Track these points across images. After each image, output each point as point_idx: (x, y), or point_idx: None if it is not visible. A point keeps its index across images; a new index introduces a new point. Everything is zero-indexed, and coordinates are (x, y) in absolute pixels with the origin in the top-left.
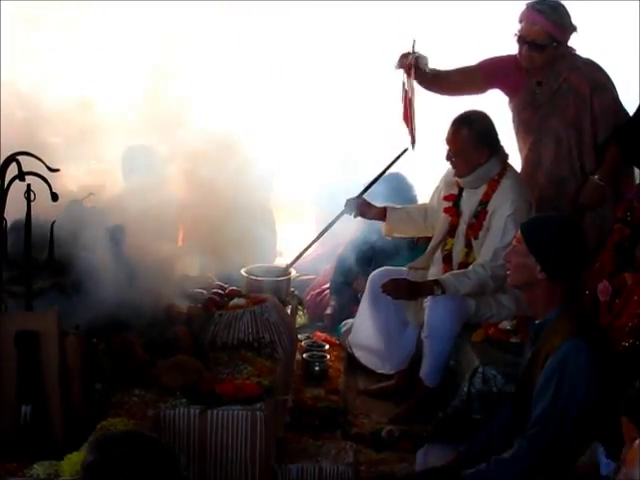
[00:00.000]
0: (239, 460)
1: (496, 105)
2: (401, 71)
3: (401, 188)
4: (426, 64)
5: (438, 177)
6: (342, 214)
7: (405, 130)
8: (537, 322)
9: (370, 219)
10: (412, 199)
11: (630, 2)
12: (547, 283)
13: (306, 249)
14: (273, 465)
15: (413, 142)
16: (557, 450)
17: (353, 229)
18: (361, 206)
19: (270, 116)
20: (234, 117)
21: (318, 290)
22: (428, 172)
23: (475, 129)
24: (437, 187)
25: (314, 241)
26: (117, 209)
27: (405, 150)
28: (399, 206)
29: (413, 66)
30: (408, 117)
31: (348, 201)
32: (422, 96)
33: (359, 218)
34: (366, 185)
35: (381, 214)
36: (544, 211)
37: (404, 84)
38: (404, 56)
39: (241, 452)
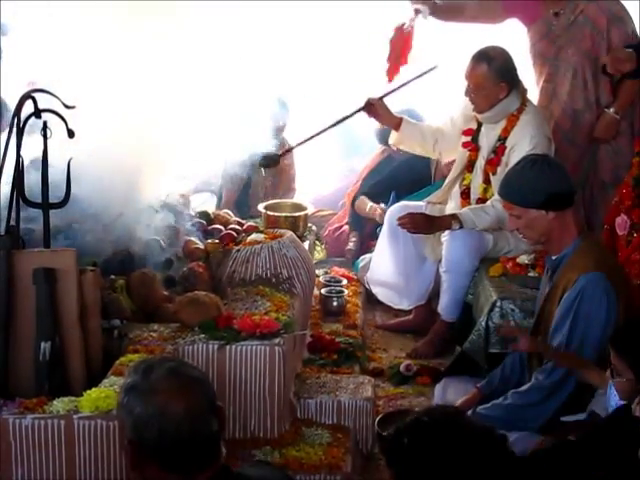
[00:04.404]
0: (258, 395)
1: (512, 37)
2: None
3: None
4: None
5: (449, 111)
6: (358, 110)
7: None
8: (554, 257)
9: (382, 123)
10: None
11: (630, 2)
12: (558, 218)
13: (315, 135)
14: (292, 400)
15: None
16: (572, 382)
17: (370, 165)
18: (379, 108)
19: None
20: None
21: (336, 225)
22: (440, 106)
23: (494, 65)
24: (451, 117)
25: (325, 130)
26: (132, 146)
27: (434, 67)
28: (415, 122)
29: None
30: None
31: (368, 100)
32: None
33: (376, 151)
34: (389, 90)
35: (395, 123)
36: (559, 143)
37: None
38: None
39: (260, 387)
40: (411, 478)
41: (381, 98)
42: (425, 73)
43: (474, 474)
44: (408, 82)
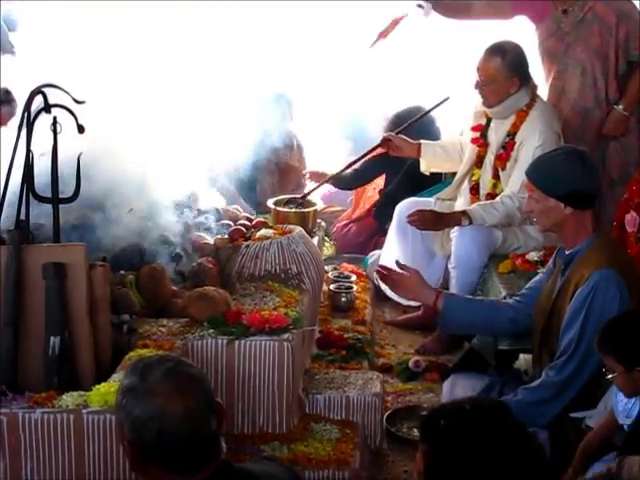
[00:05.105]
0: (267, 390)
1: (522, 33)
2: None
3: (423, 121)
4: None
5: (461, 111)
6: (376, 147)
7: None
8: (567, 253)
9: (404, 155)
10: (434, 132)
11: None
12: (575, 214)
13: (335, 175)
14: (300, 395)
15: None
16: (583, 378)
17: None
18: (396, 141)
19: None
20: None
21: (345, 222)
22: (453, 106)
23: (508, 59)
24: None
25: (345, 168)
26: (142, 141)
27: (446, 98)
28: (433, 142)
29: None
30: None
31: (384, 137)
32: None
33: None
34: (404, 124)
35: (416, 150)
36: (568, 140)
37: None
38: None
39: (268, 382)
40: (443, 458)
41: (397, 133)
42: (438, 105)
43: (506, 470)
44: (422, 115)
